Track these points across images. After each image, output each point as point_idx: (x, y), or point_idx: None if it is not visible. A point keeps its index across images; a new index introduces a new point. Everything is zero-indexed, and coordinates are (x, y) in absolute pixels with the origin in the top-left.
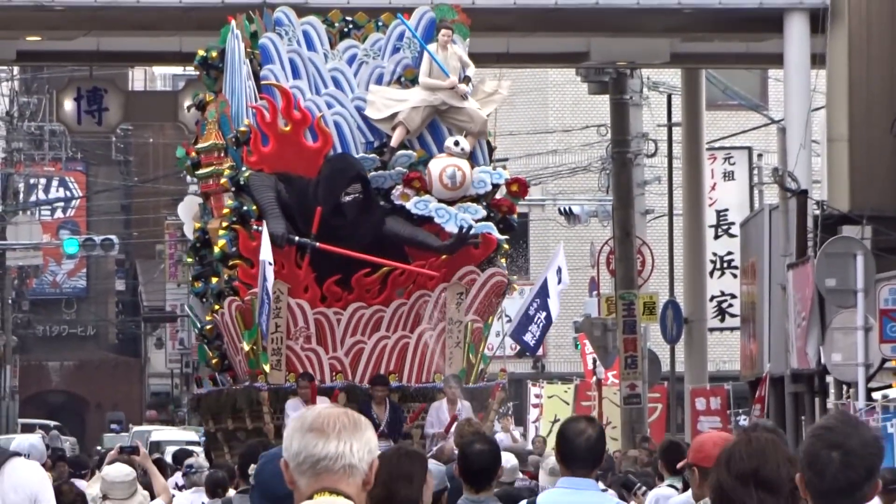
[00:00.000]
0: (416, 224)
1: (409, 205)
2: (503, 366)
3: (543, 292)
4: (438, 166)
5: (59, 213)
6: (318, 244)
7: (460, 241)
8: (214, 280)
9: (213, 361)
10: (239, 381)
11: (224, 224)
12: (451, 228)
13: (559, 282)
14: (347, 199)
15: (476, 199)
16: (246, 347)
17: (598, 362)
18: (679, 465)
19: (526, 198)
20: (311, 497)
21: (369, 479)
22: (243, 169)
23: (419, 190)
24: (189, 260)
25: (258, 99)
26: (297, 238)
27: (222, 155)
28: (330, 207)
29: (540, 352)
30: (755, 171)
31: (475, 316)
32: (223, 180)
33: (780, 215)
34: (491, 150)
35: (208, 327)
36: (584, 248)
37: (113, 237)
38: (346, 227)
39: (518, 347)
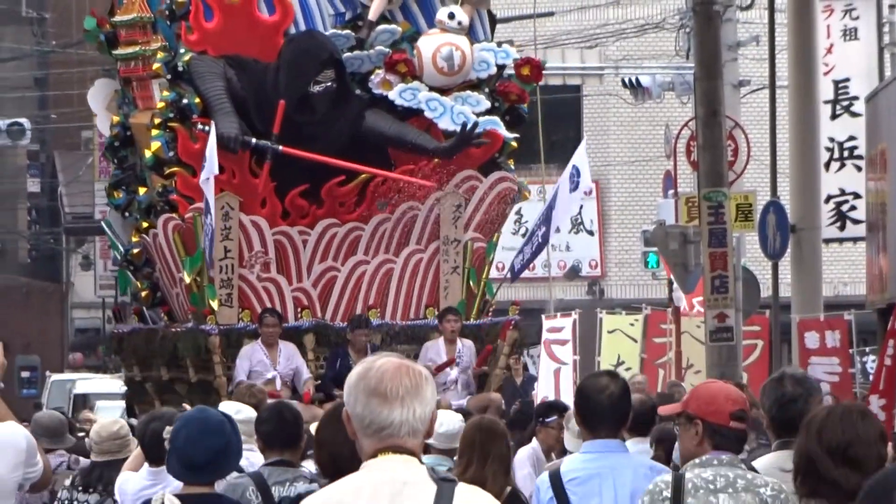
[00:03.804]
0: (401, 118)
1: (392, 94)
2: (552, 288)
3: (552, 202)
4: (431, 45)
5: None
6: (280, 147)
7: (463, 142)
8: (142, 190)
9: (143, 294)
10: (177, 320)
11: (157, 121)
12: (446, 124)
13: (575, 186)
14: (317, 89)
15: (476, 85)
16: (187, 279)
17: (674, 285)
18: (667, 411)
19: (581, 64)
20: (374, 455)
21: (430, 430)
22: (182, 51)
23: (405, 75)
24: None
25: None
26: (253, 140)
27: (149, 31)
28: (295, 100)
29: (598, 272)
30: (886, 28)
31: (476, 233)
32: (156, 65)
33: None
34: (493, 21)
35: (136, 251)
36: (657, 133)
37: (24, 121)
38: (316, 125)
39: (566, 266)
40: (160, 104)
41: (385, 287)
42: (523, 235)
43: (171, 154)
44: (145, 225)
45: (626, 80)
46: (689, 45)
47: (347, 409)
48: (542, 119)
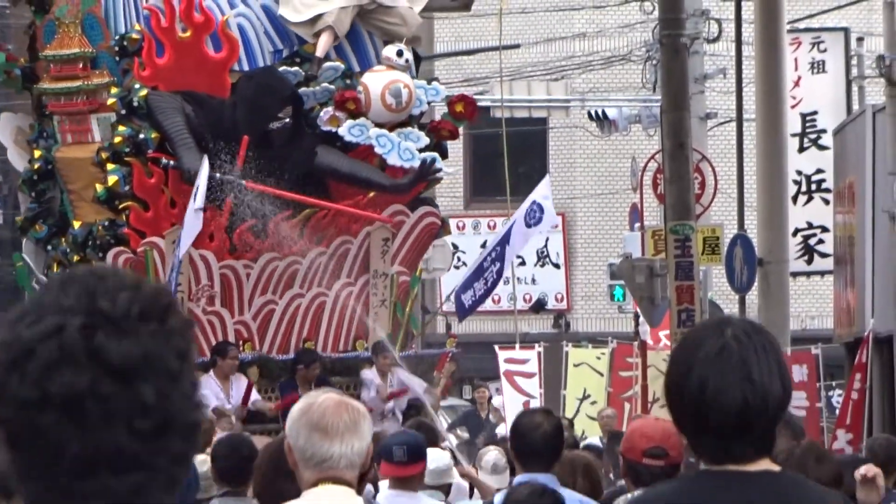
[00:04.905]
0: (345, 153)
1: (341, 130)
2: (517, 321)
3: (506, 237)
4: (380, 82)
5: None
6: (244, 182)
7: (420, 178)
8: (76, 224)
9: None
10: None
11: (105, 155)
12: (394, 160)
13: (537, 221)
14: (276, 125)
15: (407, 121)
16: None
17: (641, 319)
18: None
19: (547, 96)
20: (315, 484)
21: (366, 463)
22: (137, 86)
23: (352, 112)
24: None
25: None
26: (217, 175)
27: (88, 66)
28: (257, 136)
29: (564, 305)
30: (854, 61)
31: (401, 267)
32: (111, 101)
33: (888, 119)
34: (418, 60)
35: None
36: (623, 166)
37: None
38: (274, 161)
39: (532, 299)
40: (117, 139)
41: (317, 320)
42: None
43: (127, 188)
44: (77, 259)
45: (593, 112)
46: (656, 77)
47: (289, 441)
48: (508, 151)
